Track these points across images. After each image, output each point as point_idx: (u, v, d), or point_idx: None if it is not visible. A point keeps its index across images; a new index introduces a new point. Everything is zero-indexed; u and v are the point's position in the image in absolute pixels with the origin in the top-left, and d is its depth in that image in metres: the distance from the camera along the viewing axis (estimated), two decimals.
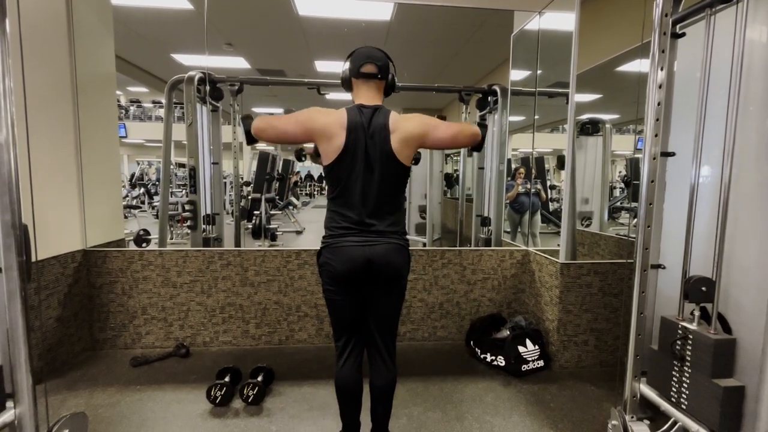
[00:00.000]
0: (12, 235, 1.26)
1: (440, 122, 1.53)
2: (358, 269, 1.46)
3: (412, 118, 1.50)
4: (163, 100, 3.65)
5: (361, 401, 1.63)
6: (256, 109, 10.23)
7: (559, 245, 2.52)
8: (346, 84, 1.57)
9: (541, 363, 2.46)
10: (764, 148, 1.38)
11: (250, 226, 6.27)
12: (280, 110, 10.41)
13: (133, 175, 12.00)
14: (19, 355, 1.31)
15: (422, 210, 5.40)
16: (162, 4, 4.08)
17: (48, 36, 2.34)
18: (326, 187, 1.59)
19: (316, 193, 17.73)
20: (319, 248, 1.55)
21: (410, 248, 1.59)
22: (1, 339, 1.35)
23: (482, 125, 1.65)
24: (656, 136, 1.57)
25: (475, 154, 4.58)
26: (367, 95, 1.52)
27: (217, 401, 2.04)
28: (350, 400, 1.61)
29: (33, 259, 1.35)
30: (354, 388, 1.58)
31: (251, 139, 1.53)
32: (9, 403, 1.34)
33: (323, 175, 1.57)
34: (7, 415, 1.32)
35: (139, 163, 13.12)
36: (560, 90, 2.67)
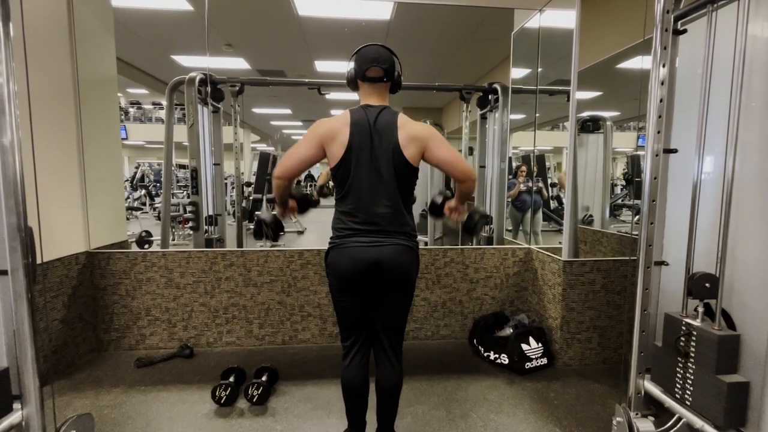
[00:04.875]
0: (18, 237, 1.27)
1: (447, 143, 1.55)
2: (364, 270, 1.47)
3: (420, 123, 1.55)
4: (164, 102, 3.66)
5: (367, 400, 1.63)
6: (256, 110, 10.21)
7: (561, 243, 2.52)
8: (352, 84, 1.58)
9: (544, 360, 2.47)
10: (767, 144, 1.38)
11: (252, 227, 6.28)
12: (281, 110, 10.40)
13: (134, 177, 12.01)
14: (25, 356, 1.31)
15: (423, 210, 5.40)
16: (162, 5, 4.09)
17: (49, 39, 2.34)
18: (334, 189, 1.60)
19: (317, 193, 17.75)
20: (326, 249, 1.56)
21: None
22: (7, 341, 1.36)
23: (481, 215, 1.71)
24: (659, 133, 1.57)
25: (475, 152, 4.59)
26: (374, 97, 1.54)
27: (222, 401, 2.05)
28: (356, 400, 1.61)
29: (38, 261, 1.35)
30: (360, 387, 1.59)
31: (278, 227, 1.69)
32: (16, 405, 1.35)
33: (331, 176, 1.57)
34: (15, 417, 1.33)
35: (138, 166, 13.10)
36: (561, 88, 2.67)
